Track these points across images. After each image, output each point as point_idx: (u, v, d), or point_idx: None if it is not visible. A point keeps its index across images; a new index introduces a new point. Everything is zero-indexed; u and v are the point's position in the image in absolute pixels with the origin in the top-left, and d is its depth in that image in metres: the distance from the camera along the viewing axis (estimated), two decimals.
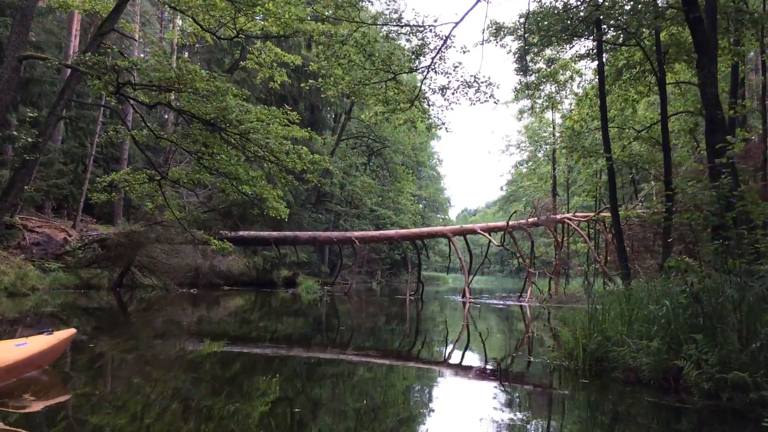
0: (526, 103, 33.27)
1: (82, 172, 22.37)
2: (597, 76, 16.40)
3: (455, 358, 7.01)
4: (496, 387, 5.05)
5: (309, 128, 15.07)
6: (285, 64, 16.62)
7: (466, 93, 11.09)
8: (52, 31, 23.63)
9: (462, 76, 10.93)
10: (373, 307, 17.85)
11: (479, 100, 11.08)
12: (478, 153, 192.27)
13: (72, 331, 5.45)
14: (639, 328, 4.94)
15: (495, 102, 11.28)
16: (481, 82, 10.92)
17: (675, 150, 17.04)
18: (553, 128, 29.03)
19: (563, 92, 17.37)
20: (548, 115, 33.42)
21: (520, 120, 32.37)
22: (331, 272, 28.34)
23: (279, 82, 15.74)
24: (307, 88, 12.83)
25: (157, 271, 16.98)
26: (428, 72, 10.78)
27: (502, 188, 48.93)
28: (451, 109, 12.49)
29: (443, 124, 12.00)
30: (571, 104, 20.19)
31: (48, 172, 21.63)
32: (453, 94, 11.13)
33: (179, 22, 23.63)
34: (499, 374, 5.62)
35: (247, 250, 23.23)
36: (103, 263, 16.39)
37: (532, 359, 6.67)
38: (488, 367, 6.18)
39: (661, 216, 8.80)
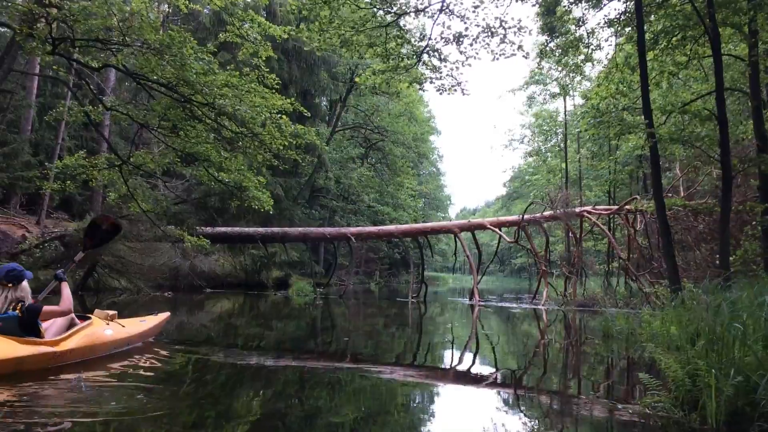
0: (535, 89, 31.65)
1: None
2: (621, 48, 14.62)
3: (494, 396, 5.06)
4: None
5: (301, 120, 13.15)
6: (272, 39, 14.73)
7: (488, 44, 8.99)
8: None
9: (484, 20, 8.82)
10: (371, 310, 16.05)
11: (504, 54, 8.97)
12: (476, 152, 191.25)
13: (167, 314, 7.22)
14: None
15: (524, 55, 9.29)
16: (508, 28, 8.76)
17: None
18: (565, 114, 27.10)
19: (581, 70, 15.41)
20: (557, 105, 31.64)
21: (530, 107, 30.42)
22: (327, 273, 26.38)
23: (264, 58, 13.81)
24: (286, 36, 10.83)
25: (126, 271, 14.99)
26: (439, 15, 8.71)
27: (505, 185, 46.91)
28: (469, 65, 10.32)
29: (458, 84, 9.79)
30: (594, 80, 18.26)
31: (13, 163, 19.62)
32: (471, 45, 9.02)
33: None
34: None
35: (234, 248, 21.24)
36: (64, 263, 14.39)
37: (617, 405, 4.29)
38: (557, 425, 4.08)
39: None
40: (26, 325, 4.67)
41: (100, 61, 9.08)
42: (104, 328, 5.61)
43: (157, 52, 7.80)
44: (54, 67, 9.74)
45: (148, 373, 5.01)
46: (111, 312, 5.98)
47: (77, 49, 8.13)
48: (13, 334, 4.54)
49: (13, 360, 4.33)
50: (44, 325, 4.97)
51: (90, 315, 5.72)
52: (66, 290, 5.13)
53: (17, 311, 4.64)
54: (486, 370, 6.51)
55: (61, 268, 5.33)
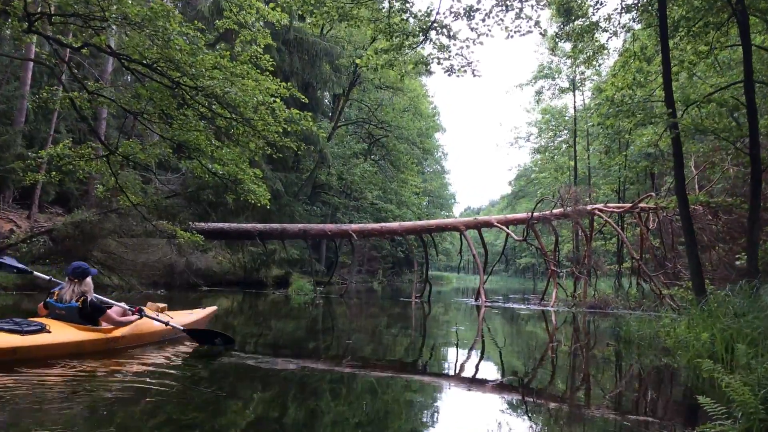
0: (543, 83, 30.92)
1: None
2: (637, 38, 13.90)
3: (505, 406, 4.42)
4: None
5: (301, 111, 12.50)
6: (271, 26, 14.12)
7: (502, 19, 8.23)
8: None
9: None
10: (372, 310, 15.42)
11: (519, 30, 8.22)
12: (481, 151, 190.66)
13: (215, 308, 8.02)
14: None
15: (541, 33, 8.56)
16: (525, 1, 7.97)
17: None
18: (575, 110, 26.37)
19: (595, 60, 14.67)
20: (566, 101, 30.90)
21: (537, 103, 29.64)
22: (328, 271, 25.75)
23: (263, 47, 13.22)
24: (286, 22, 10.15)
25: (118, 268, 14.40)
26: None
27: (510, 183, 46.20)
28: (480, 43, 9.46)
29: (469, 64, 9.04)
30: (607, 73, 17.54)
31: (4, 156, 19.05)
32: (484, 20, 8.29)
33: None
34: None
35: (232, 245, 20.62)
36: (53, 259, 13.81)
37: None
38: None
39: None
40: (85, 316, 5.32)
41: (80, 40, 8.46)
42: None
43: (138, 27, 7.17)
44: (37, 49, 9.09)
45: (144, 371, 5.05)
46: (161, 305, 6.60)
47: (54, 26, 7.51)
48: (73, 321, 5.26)
49: (73, 343, 5.05)
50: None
51: (142, 307, 6.31)
52: (133, 318, 5.85)
53: (78, 303, 5.28)
54: (493, 375, 5.87)
55: (140, 307, 6.11)
